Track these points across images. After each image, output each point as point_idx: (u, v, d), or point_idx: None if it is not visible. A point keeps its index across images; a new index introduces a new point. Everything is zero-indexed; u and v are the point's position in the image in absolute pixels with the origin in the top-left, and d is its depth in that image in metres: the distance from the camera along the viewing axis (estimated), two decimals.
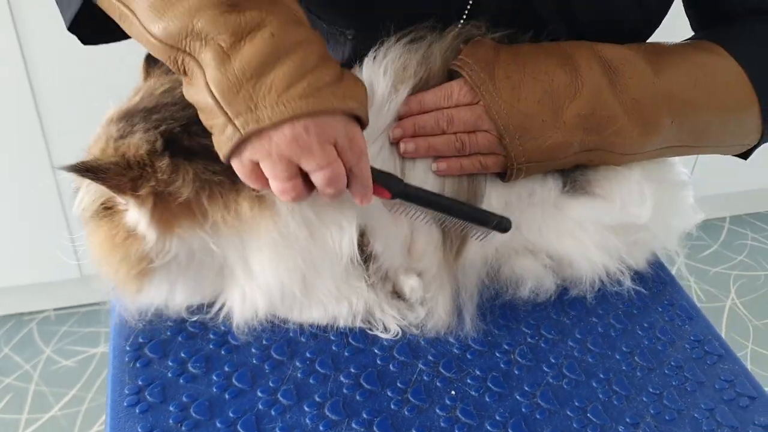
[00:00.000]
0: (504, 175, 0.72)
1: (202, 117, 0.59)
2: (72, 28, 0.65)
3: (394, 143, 0.71)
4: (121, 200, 0.63)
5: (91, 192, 0.64)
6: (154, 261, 0.65)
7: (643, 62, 0.73)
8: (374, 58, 0.72)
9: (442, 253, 0.73)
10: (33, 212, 1.71)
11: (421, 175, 0.71)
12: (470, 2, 0.73)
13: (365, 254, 0.72)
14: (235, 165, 0.59)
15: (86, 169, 0.60)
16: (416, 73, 0.72)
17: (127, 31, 0.59)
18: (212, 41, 0.55)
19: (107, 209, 0.65)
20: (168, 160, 0.62)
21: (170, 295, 0.69)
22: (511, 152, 0.69)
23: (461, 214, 0.70)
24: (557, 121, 0.69)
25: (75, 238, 1.72)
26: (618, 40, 0.74)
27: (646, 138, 0.73)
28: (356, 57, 0.74)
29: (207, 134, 0.60)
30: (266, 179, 0.59)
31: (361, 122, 0.61)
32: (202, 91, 0.56)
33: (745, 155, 0.83)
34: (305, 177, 0.60)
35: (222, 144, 0.58)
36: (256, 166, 0.59)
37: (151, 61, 0.75)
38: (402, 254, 0.73)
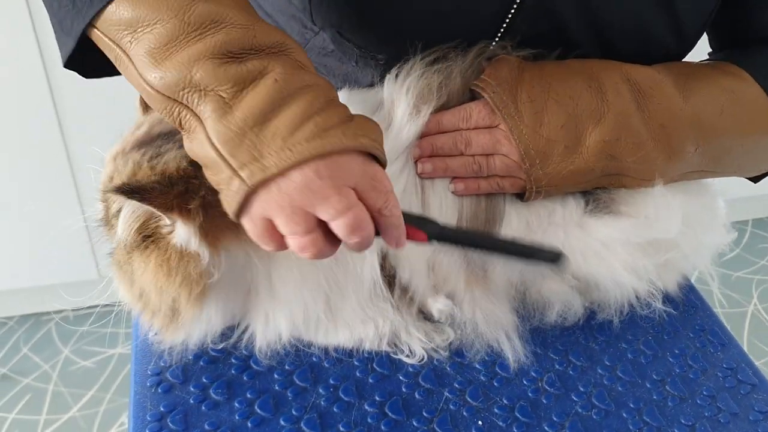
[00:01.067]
0: (523, 194, 0.71)
1: (207, 174, 0.55)
2: (69, 64, 0.61)
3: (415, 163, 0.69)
4: (166, 221, 0.62)
5: (128, 221, 0.62)
6: (213, 275, 0.63)
7: (672, 87, 0.71)
8: (396, 76, 0.71)
9: (468, 280, 0.71)
10: (52, 213, 1.71)
11: (441, 194, 0.70)
12: (504, 27, 0.71)
13: (389, 277, 0.71)
14: (246, 224, 0.54)
15: (132, 191, 0.58)
16: (438, 92, 0.70)
17: (122, 74, 0.57)
18: (212, 93, 0.52)
19: (147, 238, 0.63)
20: None
21: (216, 317, 0.68)
22: (531, 177, 0.68)
23: (507, 252, 0.62)
24: (580, 147, 0.67)
25: (93, 240, 1.72)
26: (650, 63, 0.72)
27: (669, 164, 0.71)
28: None
29: None
30: (281, 238, 0.54)
31: (379, 161, 0.56)
32: (204, 145, 0.52)
33: (756, 179, 0.81)
34: (328, 230, 0.54)
35: (230, 200, 0.53)
36: (269, 223, 0.53)
37: None
38: (427, 276, 0.72)
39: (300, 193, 0.51)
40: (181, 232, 0.62)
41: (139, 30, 0.53)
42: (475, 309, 0.72)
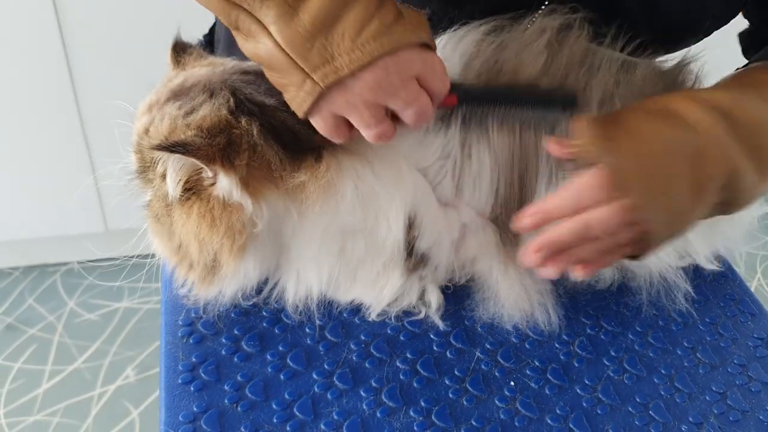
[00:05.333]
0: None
1: (271, 76, 0.57)
2: None
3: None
4: (208, 173, 0.61)
5: (176, 176, 0.61)
6: (256, 225, 0.63)
7: (756, 97, 0.65)
8: (451, 38, 0.69)
9: (500, 246, 0.70)
10: (60, 164, 1.69)
11: (476, 172, 0.68)
12: None
13: (411, 245, 0.70)
14: (316, 121, 0.58)
15: (174, 145, 0.58)
16: (487, 64, 0.68)
17: None
18: None
19: (188, 190, 0.62)
20: (246, 118, 0.61)
21: (252, 272, 0.67)
22: (653, 247, 0.62)
23: (526, 102, 0.65)
24: (697, 210, 0.62)
25: (101, 191, 1.71)
26: (696, 31, 0.70)
27: (763, 184, 0.64)
28: None
29: (265, 95, 0.60)
30: (348, 132, 0.59)
31: (431, 48, 0.60)
32: (270, 50, 0.54)
33: None
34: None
35: (301, 101, 0.56)
36: (339, 119, 0.57)
37: (178, 50, 0.72)
38: (449, 252, 0.71)
39: (371, 90, 0.55)
40: (224, 183, 0.61)
41: None
42: (504, 283, 0.71)
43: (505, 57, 0.68)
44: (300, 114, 0.57)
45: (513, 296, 0.70)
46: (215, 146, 0.60)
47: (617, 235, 0.60)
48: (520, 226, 0.62)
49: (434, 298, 0.72)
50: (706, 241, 0.78)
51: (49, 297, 1.85)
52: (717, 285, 0.79)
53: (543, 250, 0.61)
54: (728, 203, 0.64)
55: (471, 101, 0.65)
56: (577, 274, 0.63)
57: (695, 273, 0.78)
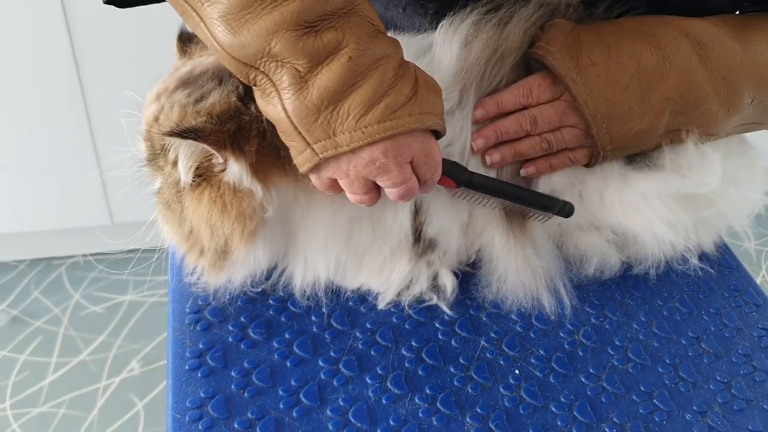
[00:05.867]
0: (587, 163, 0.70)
1: (281, 135, 0.58)
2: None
3: (477, 154, 0.69)
4: (218, 159, 0.61)
5: (187, 162, 0.62)
6: (267, 211, 0.64)
7: (731, 38, 0.70)
8: (450, 25, 0.69)
9: (508, 229, 0.71)
10: (66, 157, 1.70)
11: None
12: None
13: (418, 231, 0.70)
14: (313, 179, 0.61)
15: (185, 131, 0.59)
16: (489, 45, 0.69)
17: (190, 29, 0.58)
18: (289, 64, 0.54)
19: (198, 177, 0.63)
20: (255, 105, 0.61)
21: (262, 258, 0.67)
22: (598, 142, 0.67)
23: (525, 201, 0.69)
24: (644, 107, 0.67)
25: (106, 184, 1.71)
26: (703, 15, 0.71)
27: (728, 117, 0.71)
28: None
29: None
30: (341, 190, 0.61)
31: (438, 133, 0.60)
32: (279, 113, 0.56)
33: None
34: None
35: (301, 163, 0.58)
36: (334, 181, 0.60)
37: (184, 39, 0.73)
38: (458, 236, 0.72)
39: (365, 167, 0.57)
40: (234, 169, 0.61)
41: None
42: (512, 263, 0.72)
43: (504, 35, 0.69)
44: (300, 171, 0.60)
45: (519, 276, 0.71)
46: (225, 132, 0.60)
47: (562, 133, 0.68)
48: (475, 115, 0.68)
49: (449, 281, 0.73)
50: (710, 226, 0.78)
51: (54, 290, 1.86)
52: (722, 276, 0.79)
53: (490, 137, 0.68)
54: (696, 125, 0.70)
55: (471, 187, 0.67)
56: (525, 171, 0.70)
57: (701, 262, 0.78)
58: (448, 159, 0.65)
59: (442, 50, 0.68)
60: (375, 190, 0.61)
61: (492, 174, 0.70)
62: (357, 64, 0.54)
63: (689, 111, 0.68)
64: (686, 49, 0.67)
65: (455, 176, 0.65)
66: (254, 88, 0.57)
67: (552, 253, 0.73)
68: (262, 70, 0.54)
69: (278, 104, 0.55)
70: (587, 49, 0.67)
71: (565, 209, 0.70)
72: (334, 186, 0.61)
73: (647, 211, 0.73)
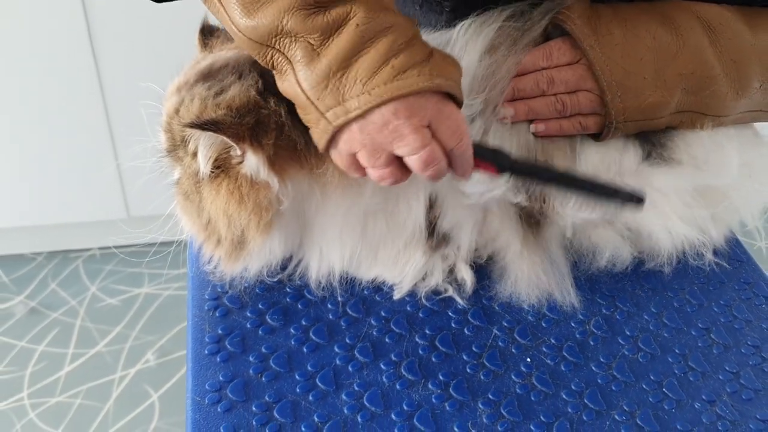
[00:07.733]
0: (598, 135, 0.71)
1: (299, 111, 0.60)
2: None
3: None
4: (236, 151, 0.63)
5: (207, 154, 0.63)
6: (283, 203, 0.65)
7: (741, 23, 0.72)
8: (470, 25, 0.70)
9: (523, 228, 0.72)
10: (83, 151, 1.72)
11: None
12: None
13: (432, 225, 0.71)
14: (334, 156, 0.61)
15: (205, 123, 0.60)
16: (514, 40, 0.70)
17: (211, 13, 0.60)
18: (302, 39, 0.55)
19: (216, 168, 0.64)
20: (274, 99, 0.62)
21: (277, 249, 0.69)
22: (611, 110, 0.68)
23: (582, 188, 0.63)
24: (658, 80, 0.68)
25: (123, 178, 1.73)
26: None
27: (737, 101, 0.72)
28: None
29: None
30: (364, 168, 0.60)
31: (455, 100, 0.59)
32: (294, 88, 0.57)
33: None
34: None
35: (318, 137, 0.59)
36: (354, 156, 0.59)
37: (205, 33, 0.75)
38: (471, 231, 0.73)
39: (379, 132, 0.56)
40: (252, 162, 0.63)
41: None
42: (525, 269, 0.73)
43: (524, 43, 0.70)
44: (320, 149, 0.60)
45: (531, 283, 0.72)
46: (244, 125, 0.62)
47: (577, 96, 0.69)
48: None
49: (468, 277, 0.74)
50: (723, 221, 0.79)
51: (71, 282, 1.89)
52: (732, 269, 0.80)
53: (506, 93, 0.69)
54: (706, 105, 0.71)
55: (515, 173, 0.63)
56: (535, 127, 0.70)
57: (713, 256, 0.79)
58: (488, 146, 0.63)
59: (461, 50, 0.69)
60: (396, 164, 0.59)
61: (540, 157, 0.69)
62: (365, 30, 0.55)
63: (700, 90, 0.70)
64: (698, 30, 0.70)
65: (496, 161, 0.61)
66: (274, 72, 0.59)
67: (565, 258, 0.74)
68: (278, 48, 0.56)
69: (293, 78, 0.57)
70: (606, 20, 0.69)
71: (633, 198, 0.62)
72: (356, 164, 0.60)
73: (664, 207, 0.74)
